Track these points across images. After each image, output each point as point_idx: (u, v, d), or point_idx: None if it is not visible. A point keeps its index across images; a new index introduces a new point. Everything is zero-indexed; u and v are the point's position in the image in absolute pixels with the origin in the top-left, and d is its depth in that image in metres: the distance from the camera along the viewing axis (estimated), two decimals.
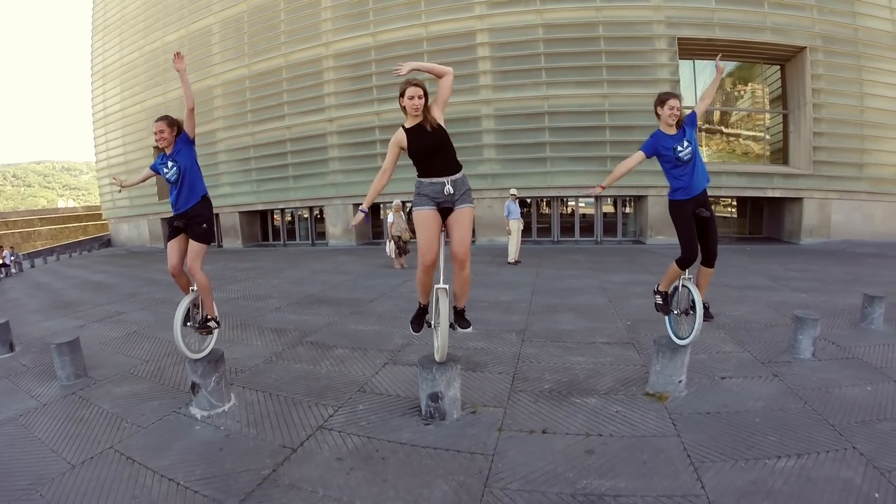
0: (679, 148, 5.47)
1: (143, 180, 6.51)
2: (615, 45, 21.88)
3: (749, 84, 24.05)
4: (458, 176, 4.93)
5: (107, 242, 43.62)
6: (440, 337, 4.92)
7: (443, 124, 4.92)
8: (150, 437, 5.14)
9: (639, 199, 23.21)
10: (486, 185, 23.55)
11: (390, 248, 16.48)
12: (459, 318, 5.43)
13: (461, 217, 4.94)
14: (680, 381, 5.49)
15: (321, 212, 29.43)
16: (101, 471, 4.53)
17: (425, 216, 4.89)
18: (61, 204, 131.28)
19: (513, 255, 16.67)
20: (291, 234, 31.73)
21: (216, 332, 6.15)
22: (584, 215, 25.08)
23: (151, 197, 36.79)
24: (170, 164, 5.61)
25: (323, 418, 5.35)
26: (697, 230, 5.57)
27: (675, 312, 5.94)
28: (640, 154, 5.71)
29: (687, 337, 5.54)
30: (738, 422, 4.84)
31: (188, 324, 5.90)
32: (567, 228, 24.81)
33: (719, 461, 4.18)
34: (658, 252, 18.59)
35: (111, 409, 5.90)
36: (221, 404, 5.64)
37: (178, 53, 5.51)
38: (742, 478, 3.94)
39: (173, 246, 5.83)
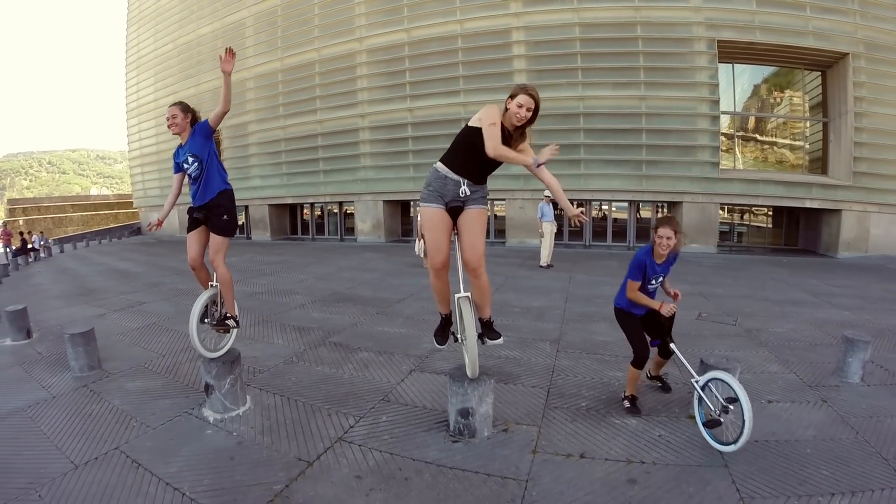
0: (654, 282, 5.43)
1: (176, 197, 5.91)
2: (653, 46, 21.16)
3: (787, 90, 23.29)
4: (479, 186, 4.55)
5: (136, 230, 44.11)
6: (469, 352, 4.58)
7: (520, 148, 4.48)
8: (158, 439, 4.86)
9: (673, 206, 22.60)
10: (518, 186, 23.12)
11: (419, 246, 16.03)
12: (487, 329, 4.96)
13: (472, 219, 4.53)
14: None
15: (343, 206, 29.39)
16: (104, 473, 4.27)
17: (433, 214, 4.51)
18: (94, 191, 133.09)
19: (545, 258, 16.21)
20: (320, 229, 31.51)
21: (235, 331, 5.85)
22: (616, 220, 24.43)
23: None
24: (190, 159, 5.36)
25: (343, 429, 5.04)
26: (647, 322, 5.48)
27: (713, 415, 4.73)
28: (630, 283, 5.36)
29: (736, 442, 4.34)
30: (787, 452, 4.50)
31: (206, 320, 5.61)
32: (599, 233, 24.16)
33: (770, 497, 3.85)
34: (692, 261, 17.96)
35: (121, 405, 5.66)
36: (236, 408, 5.36)
37: (229, 50, 5.14)
38: None
39: (193, 238, 5.62)
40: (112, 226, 47.15)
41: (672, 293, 5.35)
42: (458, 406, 4.74)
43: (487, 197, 4.67)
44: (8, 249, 27.40)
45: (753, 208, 23.63)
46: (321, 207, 31.17)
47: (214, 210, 5.47)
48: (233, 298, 5.75)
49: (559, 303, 10.81)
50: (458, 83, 24.03)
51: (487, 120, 4.17)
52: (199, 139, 5.33)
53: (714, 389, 4.66)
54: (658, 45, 21.08)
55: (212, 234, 5.50)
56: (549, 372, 6.56)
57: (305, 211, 32.40)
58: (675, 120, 21.07)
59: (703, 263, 17.47)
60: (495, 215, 25.72)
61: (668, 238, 5.06)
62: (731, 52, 20.99)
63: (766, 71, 22.66)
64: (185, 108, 5.42)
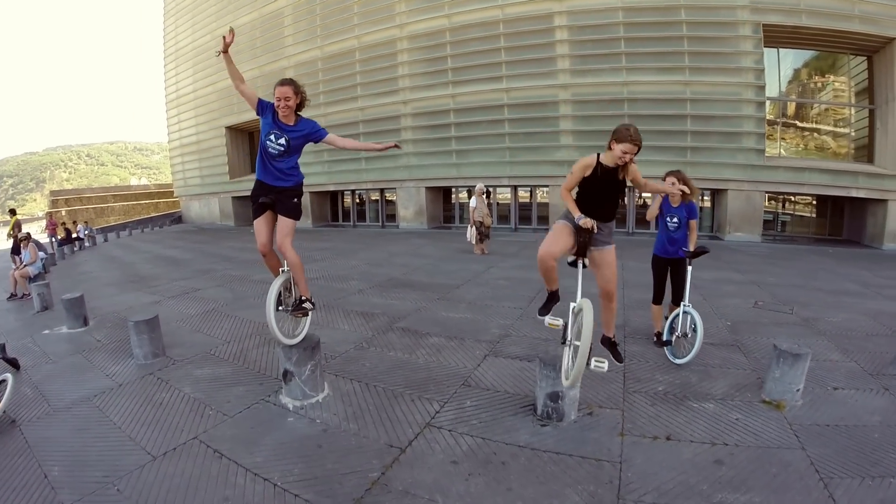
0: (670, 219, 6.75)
1: (237, 75, 5.11)
2: (698, 30, 20.50)
3: (830, 76, 22.52)
4: (606, 224, 4.76)
5: (178, 219, 44.70)
6: (577, 360, 4.17)
7: (632, 182, 4.75)
8: (238, 427, 4.71)
9: (718, 193, 22.05)
10: (562, 172, 22.60)
11: (471, 233, 15.86)
12: (611, 348, 5.10)
13: (606, 257, 4.79)
14: (798, 390, 5.17)
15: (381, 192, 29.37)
16: (185, 464, 4.10)
17: (564, 227, 4.73)
18: (134, 181, 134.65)
19: None
20: (361, 216, 31.56)
21: (310, 316, 5.61)
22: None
23: (223, 176, 37.40)
24: (281, 140, 5.01)
25: (430, 414, 4.93)
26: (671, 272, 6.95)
27: (676, 336, 6.44)
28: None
29: (685, 357, 6.18)
30: (857, 436, 4.55)
31: (280, 308, 5.37)
32: (641, 220, 23.67)
33: (847, 478, 3.92)
34: (739, 250, 17.45)
35: (193, 393, 5.53)
36: (315, 394, 5.21)
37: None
38: (872, 496, 3.70)
39: (261, 224, 5.29)
40: (153, 214, 47.89)
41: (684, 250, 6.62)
42: (548, 389, 4.66)
43: (613, 231, 4.91)
44: (53, 239, 27.66)
45: (796, 197, 22.93)
46: (360, 194, 31.17)
47: (284, 192, 5.20)
48: (305, 281, 5.49)
49: (618, 289, 10.45)
50: (500, 69, 23.68)
51: (575, 168, 4.72)
52: (301, 134, 5.09)
53: (684, 321, 6.35)
54: (702, 28, 20.42)
55: (280, 218, 5.21)
56: (622, 356, 6.37)
57: (346, 198, 32.38)
58: (719, 106, 20.48)
59: (751, 252, 16.99)
60: (538, 202, 25.44)
61: (672, 183, 6.13)
62: (776, 37, 20.25)
63: (808, 55, 21.93)
64: (297, 89, 4.99)
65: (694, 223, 6.62)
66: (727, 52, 20.30)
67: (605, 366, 4.40)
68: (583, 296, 4.53)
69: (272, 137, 5.02)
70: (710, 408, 5.04)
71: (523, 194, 25.99)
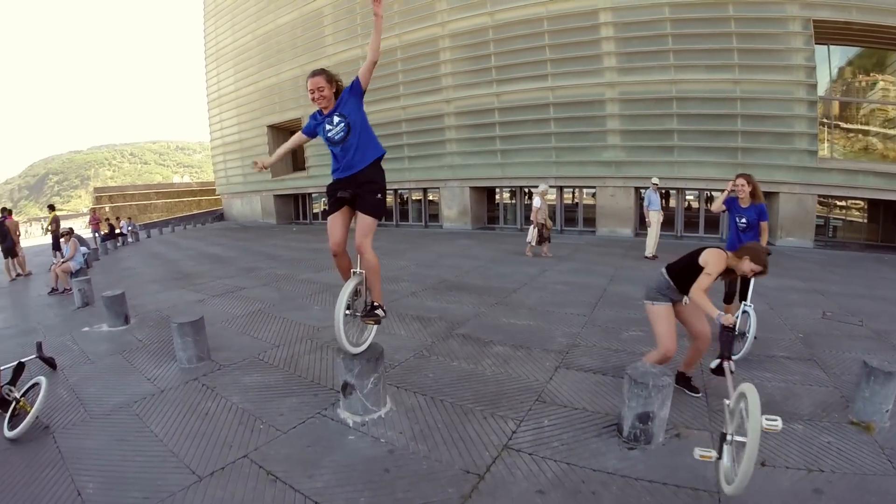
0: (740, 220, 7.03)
1: (289, 151, 5.30)
2: (747, 26, 19.59)
3: (876, 73, 21.53)
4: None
5: (219, 216, 45.11)
6: (745, 461, 3.25)
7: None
8: (293, 445, 4.28)
9: (769, 196, 21.09)
10: (609, 173, 22.20)
11: (533, 234, 15.30)
12: (685, 383, 5.44)
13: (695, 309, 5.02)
14: (887, 411, 4.76)
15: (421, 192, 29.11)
16: (235, 487, 3.70)
17: (666, 312, 5.09)
18: (177, 179, 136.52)
19: (651, 249, 15.22)
20: (403, 215, 31.09)
21: (374, 328, 5.16)
22: (709, 210, 23.04)
23: (265, 174, 37.28)
24: (335, 119, 4.59)
25: (506, 435, 4.49)
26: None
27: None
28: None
29: (736, 354, 6.17)
30: None
31: (347, 312, 4.87)
32: (690, 224, 22.88)
33: None
34: (795, 255, 16.64)
35: (241, 403, 5.15)
36: (377, 409, 4.78)
37: None
38: None
39: (336, 221, 4.88)
40: (195, 212, 48.36)
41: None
42: (639, 410, 4.28)
43: None
44: (97, 234, 27.93)
45: (849, 201, 21.95)
46: (402, 194, 30.79)
47: (366, 186, 4.76)
48: (379, 286, 5.06)
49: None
50: (545, 67, 23.12)
51: (710, 268, 4.73)
52: (350, 101, 4.60)
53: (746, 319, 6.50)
54: (752, 24, 19.50)
55: (360, 215, 4.79)
56: (701, 372, 5.96)
57: (388, 197, 31.98)
58: (770, 105, 19.56)
59: (806, 258, 16.15)
60: (585, 204, 24.82)
61: (742, 185, 6.82)
62: (827, 33, 19.22)
63: (852, 52, 20.94)
64: (329, 77, 4.62)
65: (765, 225, 6.81)
66: (777, 49, 19.38)
67: (779, 423, 3.37)
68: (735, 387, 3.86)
69: (328, 128, 4.65)
70: (800, 430, 4.66)
71: (568, 196, 25.38)
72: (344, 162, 4.72)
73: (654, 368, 4.40)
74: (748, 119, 19.92)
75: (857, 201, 21.38)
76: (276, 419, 4.80)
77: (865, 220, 22.14)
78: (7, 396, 5.13)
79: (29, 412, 4.82)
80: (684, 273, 5.04)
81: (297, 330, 7.74)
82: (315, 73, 4.62)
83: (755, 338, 6.45)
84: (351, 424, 4.62)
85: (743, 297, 6.75)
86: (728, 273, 4.90)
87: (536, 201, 15.25)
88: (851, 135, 21.50)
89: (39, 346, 6.42)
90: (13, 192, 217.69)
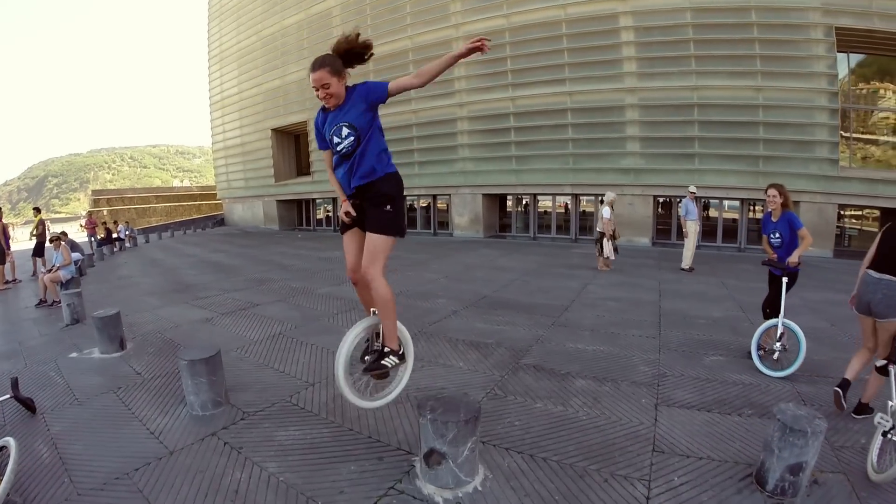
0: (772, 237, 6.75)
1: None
2: (769, 32, 19.07)
3: (889, 82, 20.78)
4: None
5: (220, 221, 44.23)
6: None
7: None
8: None
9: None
10: (627, 181, 21.50)
11: (609, 247, 14.40)
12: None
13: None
14: None
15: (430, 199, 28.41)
16: None
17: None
18: (176, 184, 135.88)
19: (687, 261, 14.49)
20: (410, 223, 30.03)
21: (406, 369, 4.46)
22: (730, 220, 22.16)
23: (268, 179, 36.91)
24: (344, 131, 3.80)
25: (639, 502, 3.61)
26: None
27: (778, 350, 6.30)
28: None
29: (783, 370, 6.08)
30: None
31: (366, 358, 4.24)
32: (708, 233, 22.00)
33: None
34: (819, 265, 15.97)
35: (280, 472, 3.96)
36: (471, 479, 3.72)
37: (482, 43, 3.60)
38: None
39: (349, 241, 4.20)
40: (195, 216, 47.62)
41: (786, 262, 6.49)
42: (792, 460, 3.57)
43: None
44: (93, 239, 27.08)
45: (865, 211, 21.25)
46: (411, 201, 29.83)
47: (373, 199, 3.96)
48: (394, 325, 4.15)
49: (736, 312, 9.37)
50: (562, 71, 22.44)
51: None
52: (360, 105, 3.82)
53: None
54: (774, 31, 18.94)
55: (368, 234, 3.97)
56: (797, 399, 5.47)
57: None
58: (792, 113, 18.97)
59: (833, 269, 15.52)
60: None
61: (773, 196, 6.56)
62: (849, 41, 18.64)
63: (859, 59, 20.37)
64: (335, 69, 3.78)
65: (803, 231, 6.50)
66: (800, 56, 18.75)
67: None
68: None
69: (335, 136, 3.88)
70: None
71: (585, 204, 24.46)
72: (350, 177, 3.98)
73: (803, 410, 3.74)
74: (770, 127, 19.37)
75: (873, 210, 20.65)
76: (336, 499, 3.66)
77: (879, 230, 21.35)
78: None
79: None
80: None
81: (330, 360, 6.45)
82: (316, 66, 3.79)
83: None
84: None
85: (773, 304, 6.69)
86: None
87: (606, 212, 14.43)
88: (869, 144, 20.86)
89: (15, 383, 5.15)
90: (12, 193, 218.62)
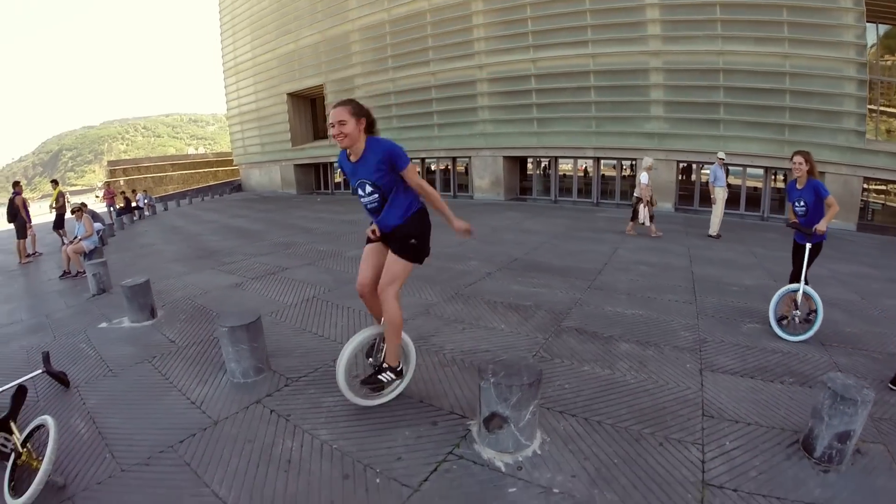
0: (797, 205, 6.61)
1: None
2: None
3: None
4: None
5: (237, 187, 44.07)
6: None
7: None
8: None
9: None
10: (651, 145, 21.00)
11: (645, 213, 14.00)
12: None
13: None
14: None
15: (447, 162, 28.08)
16: None
17: None
18: (191, 151, 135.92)
19: (715, 227, 14.20)
20: (430, 185, 29.75)
21: (400, 383, 4.46)
22: (753, 188, 21.69)
23: (284, 143, 36.59)
24: (367, 188, 3.96)
25: (697, 467, 3.57)
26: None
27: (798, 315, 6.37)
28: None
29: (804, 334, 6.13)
30: None
31: (369, 359, 4.39)
32: (730, 200, 21.31)
33: None
34: (847, 239, 15.60)
35: (333, 439, 3.83)
36: (530, 442, 3.64)
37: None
38: None
39: (368, 254, 4.27)
40: (212, 183, 47.62)
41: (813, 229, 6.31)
42: (841, 428, 3.58)
43: None
44: (112, 209, 26.99)
45: (889, 185, 20.66)
46: (428, 164, 29.65)
47: (399, 235, 4.10)
48: (397, 346, 4.19)
49: (766, 281, 9.13)
50: (585, 33, 21.77)
51: None
52: (383, 167, 3.92)
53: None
54: None
55: (390, 255, 4.10)
56: (835, 370, 5.31)
57: (416, 167, 30.60)
58: (819, 82, 18.31)
59: (857, 242, 15.12)
60: (623, 176, 23.65)
61: (799, 163, 6.43)
62: (878, 11, 17.91)
63: (886, 30, 19.72)
64: (356, 109, 3.86)
65: (830, 199, 6.34)
66: (828, 24, 17.97)
67: None
68: None
69: (359, 189, 4.06)
70: None
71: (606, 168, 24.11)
72: (378, 220, 4.16)
73: (851, 380, 3.71)
74: (796, 95, 18.67)
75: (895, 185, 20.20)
76: (394, 466, 3.54)
77: None
78: (3, 448, 3.68)
79: (36, 467, 3.40)
80: None
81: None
82: (339, 104, 3.86)
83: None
84: (504, 469, 3.46)
85: (800, 278, 6.53)
86: None
87: (644, 177, 14.08)
88: (893, 118, 20.29)
89: (46, 357, 4.99)
90: (27, 169, 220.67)
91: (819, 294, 6.24)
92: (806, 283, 6.38)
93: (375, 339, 4.32)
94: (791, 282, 6.67)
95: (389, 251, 4.10)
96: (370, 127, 3.95)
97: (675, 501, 3.21)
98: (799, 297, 6.32)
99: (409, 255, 4.07)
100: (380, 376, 4.13)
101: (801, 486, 3.38)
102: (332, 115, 3.81)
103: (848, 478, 3.50)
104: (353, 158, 4.00)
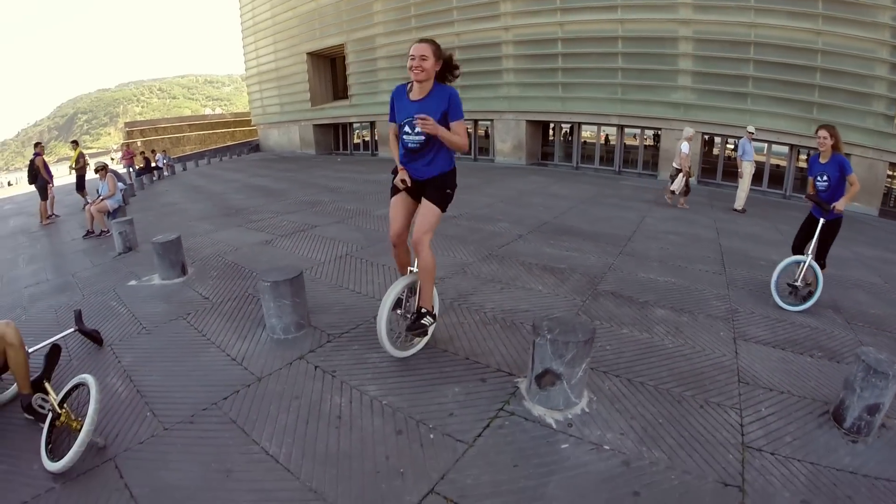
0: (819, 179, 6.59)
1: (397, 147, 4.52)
2: None
3: None
4: None
5: (255, 147, 43.98)
6: None
7: None
8: (492, 465, 3.12)
9: None
10: (677, 115, 20.65)
11: (680, 182, 13.91)
12: None
13: None
14: None
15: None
16: None
17: None
18: (208, 112, 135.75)
19: (741, 201, 14.09)
20: None
21: (432, 328, 4.51)
22: (775, 165, 21.20)
23: (304, 103, 36.35)
24: (418, 128, 3.93)
25: (737, 430, 3.68)
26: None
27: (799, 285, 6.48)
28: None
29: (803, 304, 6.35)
30: None
31: (398, 310, 4.34)
32: (754, 176, 21.16)
33: None
34: (869, 223, 15.47)
35: (383, 395, 3.84)
36: (578, 401, 3.71)
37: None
38: None
39: (398, 205, 4.37)
40: (230, 143, 47.43)
41: (832, 206, 6.30)
42: (871, 400, 3.71)
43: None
44: (131, 169, 26.99)
45: None
46: None
47: (434, 184, 4.26)
48: (432, 289, 4.36)
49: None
50: None
51: None
52: (440, 109, 3.96)
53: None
54: None
55: (423, 203, 4.23)
56: (856, 347, 5.35)
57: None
58: (851, 62, 17.64)
59: (881, 227, 15.06)
60: (646, 145, 23.34)
61: (824, 137, 6.41)
62: None
63: None
64: (437, 50, 3.93)
65: (852, 177, 6.38)
66: (864, 3, 17.30)
67: None
68: None
69: (406, 126, 4.11)
70: None
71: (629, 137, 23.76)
72: (411, 167, 4.27)
73: (883, 355, 3.81)
74: (827, 74, 18.07)
75: None
76: (447, 422, 3.55)
77: None
78: (40, 409, 3.62)
79: (76, 428, 3.30)
80: None
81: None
82: (423, 40, 3.97)
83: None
84: (554, 426, 3.50)
85: (820, 257, 6.69)
86: None
87: (685, 146, 13.84)
88: None
89: (79, 316, 4.94)
90: (43, 133, 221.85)
91: (843, 276, 6.61)
92: (816, 260, 6.50)
93: (405, 293, 4.35)
94: (794, 252, 6.85)
95: (424, 200, 4.23)
96: (443, 73, 4.03)
97: (717, 461, 3.30)
98: (804, 269, 6.46)
99: (443, 203, 4.25)
100: (422, 321, 4.19)
101: (833, 454, 3.50)
102: (415, 48, 3.89)
103: (874, 449, 3.61)
104: (413, 96, 4.05)
